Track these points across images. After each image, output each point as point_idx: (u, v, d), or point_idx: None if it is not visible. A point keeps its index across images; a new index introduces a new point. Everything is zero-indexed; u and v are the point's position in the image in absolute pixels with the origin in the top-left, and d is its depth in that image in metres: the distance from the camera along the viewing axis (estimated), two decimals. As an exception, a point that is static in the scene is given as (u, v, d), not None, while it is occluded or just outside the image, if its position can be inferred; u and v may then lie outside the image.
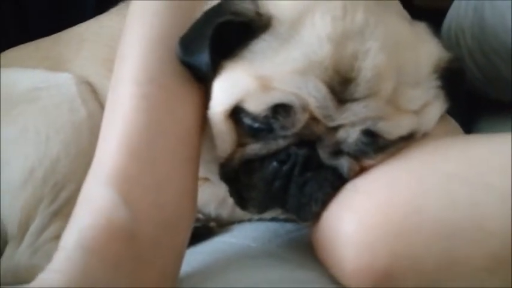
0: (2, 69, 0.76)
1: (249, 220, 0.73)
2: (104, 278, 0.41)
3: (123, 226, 0.44)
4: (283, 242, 0.65)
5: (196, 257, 0.59)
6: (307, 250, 0.59)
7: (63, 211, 0.66)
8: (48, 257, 0.63)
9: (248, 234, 0.67)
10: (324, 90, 0.48)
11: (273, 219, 0.72)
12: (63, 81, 0.73)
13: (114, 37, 0.74)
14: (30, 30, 0.98)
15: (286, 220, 0.71)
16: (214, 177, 0.68)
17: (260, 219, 0.72)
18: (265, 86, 0.50)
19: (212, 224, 0.70)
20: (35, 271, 0.62)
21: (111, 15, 0.82)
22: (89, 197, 0.47)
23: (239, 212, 0.73)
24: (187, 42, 0.55)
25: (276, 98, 0.49)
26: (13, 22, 1.01)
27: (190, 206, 0.52)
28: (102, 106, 0.74)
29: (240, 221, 0.73)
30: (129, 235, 0.44)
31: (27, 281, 0.62)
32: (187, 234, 0.52)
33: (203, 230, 0.67)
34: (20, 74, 0.74)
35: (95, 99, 0.74)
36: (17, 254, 0.64)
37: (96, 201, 0.45)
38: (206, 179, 0.70)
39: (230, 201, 0.71)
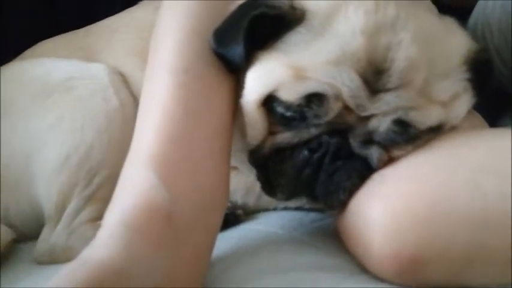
0: (37, 59, 0.80)
1: (274, 209, 0.75)
2: (145, 255, 0.43)
3: (162, 206, 0.46)
4: (309, 230, 0.66)
5: (226, 242, 0.61)
6: (332, 238, 0.61)
7: (96, 195, 0.69)
8: (83, 239, 0.67)
9: (274, 222, 0.69)
10: (357, 80, 0.50)
11: (297, 209, 0.73)
12: (96, 72, 0.75)
13: (145, 28, 0.76)
14: (61, 24, 1.01)
15: (310, 209, 0.73)
16: (243, 166, 0.70)
17: (285, 208, 0.74)
18: (299, 75, 0.51)
19: (239, 211, 0.72)
20: (70, 252, 0.66)
21: (142, 7, 0.84)
22: (129, 179, 0.49)
23: (265, 201, 0.75)
24: (222, 34, 0.57)
25: (310, 87, 0.51)
26: (45, 16, 1.04)
27: (223, 190, 0.54)
28: (133, 96, 0.77)
29: (265, 210, 0.75)
30: (168, 215, 0.46)
31: (63, 261, 0.65)
32: (220, 218, 0.54)
33: (231, 217, 0.69)
34: (55, 63, 0.77)
35: (127, 89, 0.76)
36: (54, 235, 0.67)
37: (136, 183, 0.47)
38: (234, 168, 0.72)
39: (256, 190, 0.74)
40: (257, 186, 0.71)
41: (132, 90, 0.76)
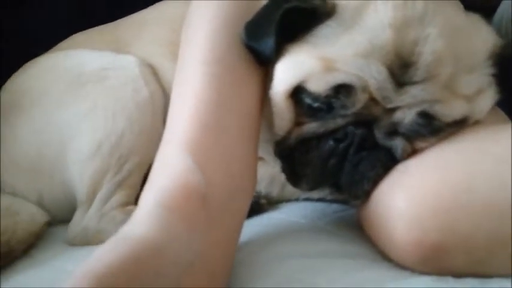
0: (71, 50, 0.83)
1: (297, 200, 0.77)
2: (180, 234, 0.45)
3: (197, 188, 0.48)
4: (331, 220, 0.68)
5: (251, 229, 0.63)
6: (354, 228, 0.62)
7: (126, 182, 0.72)
8: (114, 223, 0.70)
9: (296, 212, 0.71)
10: (384, 72, 0.51)
11: (319, 200, 0.75)
12: (127, 63, 0.78)
13: (176, 21, 0.79)
14: (90, 19, 1.03)
15: (332, 201, 0.74)
16: (268, 157, 0.72)
17: (307, 199, 0.76)
18: (328, 67, 0.53)
19: (263, 201, 0.74)
20: (102, 235, 0.69)
21: (173, 1, 0.87)
22: (165, 163, 0.51)
23: (288, 191, 0.77)
24: (253, 27, 0.59)
25: (338, 78, 0.52)
26: (75, 11, 1.08)
27: (252, 178, 0.56)
28: (162, 87, 0.79)
29: (288, 200, 0.77)
30: (202, 197, 0.48)
31: (95, 243, 0.68)
32: (248, 204, 0.56)
33: (255, 206, 0.71)
34: (88, 55, 0.80)
35: (156, 80, 0.79)
36: (86, 219, 0.70)
37: (172, 166, 0.50)
38: (260, 158, 0.74)
39: (280, 180, 0.76)
40: (281, 176, 0.73)
41: (161, 81, 0.79)
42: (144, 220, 0.46)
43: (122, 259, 0.41)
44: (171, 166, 0.50)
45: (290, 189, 0.75)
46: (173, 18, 0.82)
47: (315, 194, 0.75)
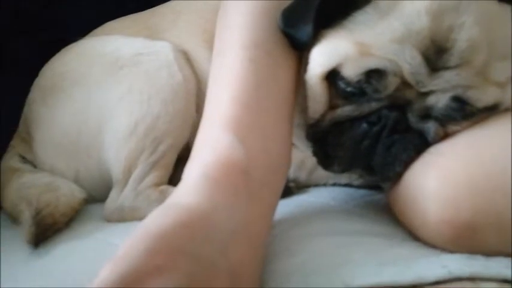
0: (107, 36, 0.86)
1: (324, 185, 0.79)
2: (225, 204, 0.48)
3: (239, 163, 0.51)
4: (360, 203, 0.70)
5: (283, 208, 0.65)
6: (383, 211, 0.64)
7: (160, 163, 0.75)
8: (149, 201, 0.72)
9: (326, 195, 0.73)
10: (418, 57, 0.53)
11: (346, 185, 0.77)
12: (162, 49, 0.80)
13: (209, 10, 0.82)
14: (124, 7, 1.06)
15: (359, 186, 0.76)
16: (298, 142, 0.74)
17: (334, 185, 0.78)
18: (363, 52, 0.55)
19: (291, 184, 0.76)
20: (137, 212, 0.72)
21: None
22: (208, 140, 0.54)
23: (315, 177, 0.79)
24: (290, 14, 0.61)
25: (371, 63, 0.54)
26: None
27: (288, 157, 0.58)
28: (195, 73, 0.82)
29: (316, 185, 0.79)
30: (243, 171, 0.51)
31: (130, 220, 0.71)
32: (283, 183, 0.58)
33: (284, 189, 0.73)
34: (124, 41, 0.83)
35: (189, 66, 0.82)
36: (121, 197, 0.73)
37: (216, 142, 0.52)
38: (289, 142, 0.76)
39: (308, 165, 0.78)
40: (309, 161, 0.75)
41: (194, 67, 0.82)
42: (190, 190, 0.48)
43: (173, 223, 0.43)
44: (214, 142, 0.52)
45: (318, 175, 0.78)
46: (206, 8, 0.84)
47: (343, 179, 0.77)
